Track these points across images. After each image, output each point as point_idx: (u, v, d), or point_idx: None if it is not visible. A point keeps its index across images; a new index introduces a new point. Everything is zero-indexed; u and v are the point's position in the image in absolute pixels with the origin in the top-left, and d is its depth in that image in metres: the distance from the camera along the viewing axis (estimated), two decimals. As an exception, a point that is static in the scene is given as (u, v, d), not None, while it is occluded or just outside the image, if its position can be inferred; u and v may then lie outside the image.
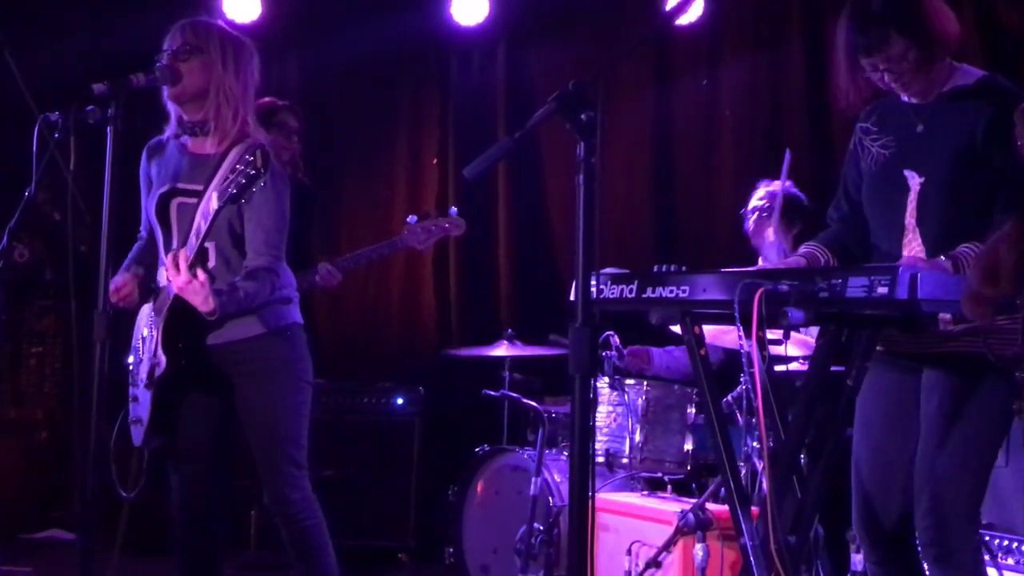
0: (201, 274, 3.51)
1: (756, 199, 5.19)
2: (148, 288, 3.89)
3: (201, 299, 3.54)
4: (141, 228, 4.08)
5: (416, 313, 7.19)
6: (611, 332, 5.04)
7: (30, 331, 7.03)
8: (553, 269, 6.84)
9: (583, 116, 2.47)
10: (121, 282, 3.82)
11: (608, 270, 3.30)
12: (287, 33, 7.03)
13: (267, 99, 5.31)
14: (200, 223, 3.58)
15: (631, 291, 3.23)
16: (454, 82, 7.19)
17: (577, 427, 2.41)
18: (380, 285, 7.20)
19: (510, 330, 5.79)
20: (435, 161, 7.18)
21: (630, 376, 5.16)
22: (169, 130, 3.93)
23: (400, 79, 7.27)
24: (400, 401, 6.38)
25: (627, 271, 3.30)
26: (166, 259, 3.65)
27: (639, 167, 6.83)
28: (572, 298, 3.45)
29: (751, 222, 5.20)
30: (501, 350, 5.73)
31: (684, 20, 6.46)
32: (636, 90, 6.75)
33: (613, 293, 3.27)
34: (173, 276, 3.54)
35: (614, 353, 5.09)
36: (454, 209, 5.36)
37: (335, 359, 6.74)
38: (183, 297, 3.58)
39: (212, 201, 3.51)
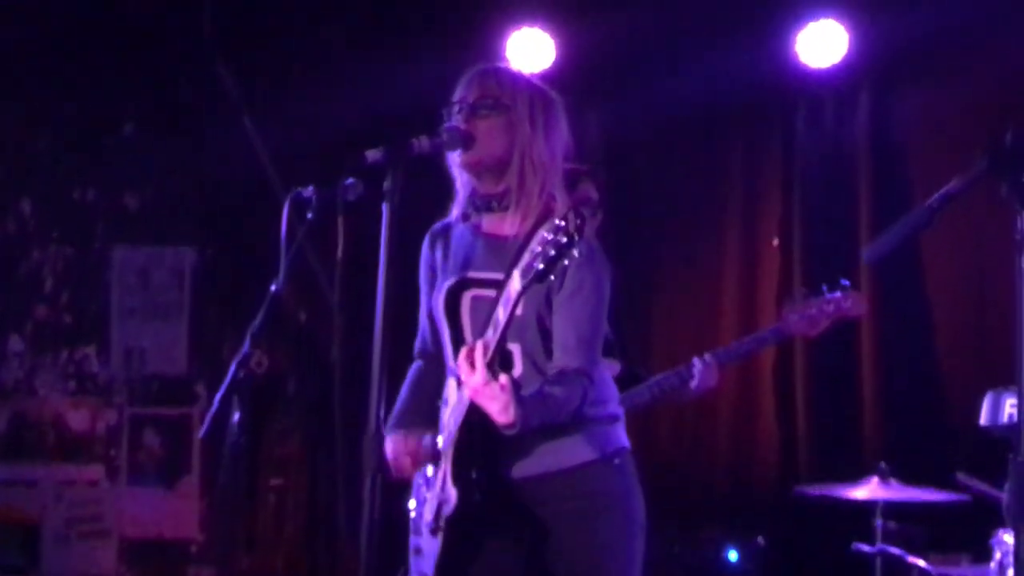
0: (504, 377, 3.42)
1: None
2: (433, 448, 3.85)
3: (500, 407, 3.43)
4: (417, 342, 4.09)
5: (752, 439, 7.15)
6: None
7: (269, 459, 7.19)
8: (937, 387, 6.73)
9: (1025, 177, 2.39)
10: (393, 450, 3.80)
11: None
12: (586, 82, 7.12)
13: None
14: (498, 312, 3.49)
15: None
16: (801, 138, 7.15)
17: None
18: (704, 402, 7.11)
19: (883, 464, 5.62)
20: (776, 242, 7.13)
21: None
22: (456, 208, 3.95)
23: (730, 136, 7.29)
24: (734, 556, 6.32)
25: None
26: (456, 360, 3.58)
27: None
28: (982, 422, 3.34)
29: None
30: (867, 491, 5.55)
31: None
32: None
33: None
34: (467, 376, 3.46)
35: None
36: (846, 281, 5.31)
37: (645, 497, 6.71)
38: (478, 403, 3.50)
39: (513, 282, 3.38)
